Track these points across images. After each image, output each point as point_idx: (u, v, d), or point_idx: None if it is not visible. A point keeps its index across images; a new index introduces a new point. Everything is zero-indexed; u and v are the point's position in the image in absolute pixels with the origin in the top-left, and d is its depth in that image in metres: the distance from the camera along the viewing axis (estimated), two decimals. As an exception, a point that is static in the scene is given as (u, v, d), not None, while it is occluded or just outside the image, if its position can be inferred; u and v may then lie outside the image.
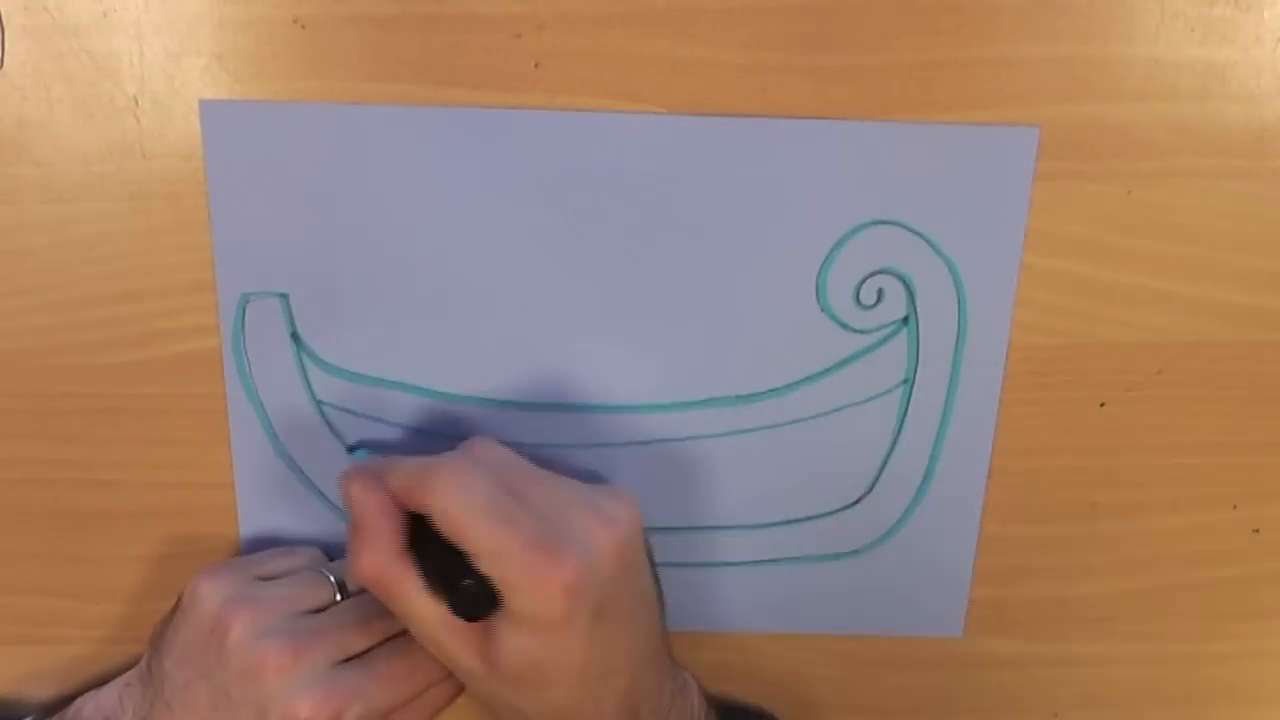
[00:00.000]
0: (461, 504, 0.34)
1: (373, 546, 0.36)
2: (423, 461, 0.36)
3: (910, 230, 0.41)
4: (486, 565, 0.34)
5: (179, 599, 0.40)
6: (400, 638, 0.40)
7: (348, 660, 0.39)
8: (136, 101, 0.38)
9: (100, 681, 0.42)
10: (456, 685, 0.42)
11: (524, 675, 0.35)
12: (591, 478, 0.42)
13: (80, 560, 0.44)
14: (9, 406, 0.41)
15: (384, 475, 0.36)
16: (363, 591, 0.42)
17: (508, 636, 0.35)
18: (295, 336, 0.41)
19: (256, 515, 0.43)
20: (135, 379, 0.41)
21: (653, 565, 0.40)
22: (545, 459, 0.40)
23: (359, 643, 0.39)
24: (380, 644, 0.40)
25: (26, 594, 0.44)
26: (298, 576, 0.41)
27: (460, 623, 0.35)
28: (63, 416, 0.42)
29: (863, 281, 0.42)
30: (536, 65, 0.38)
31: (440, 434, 0.43)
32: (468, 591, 0.34)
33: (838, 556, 0.46)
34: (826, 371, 0.43)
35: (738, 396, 0.43)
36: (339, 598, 0.41)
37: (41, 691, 0.45)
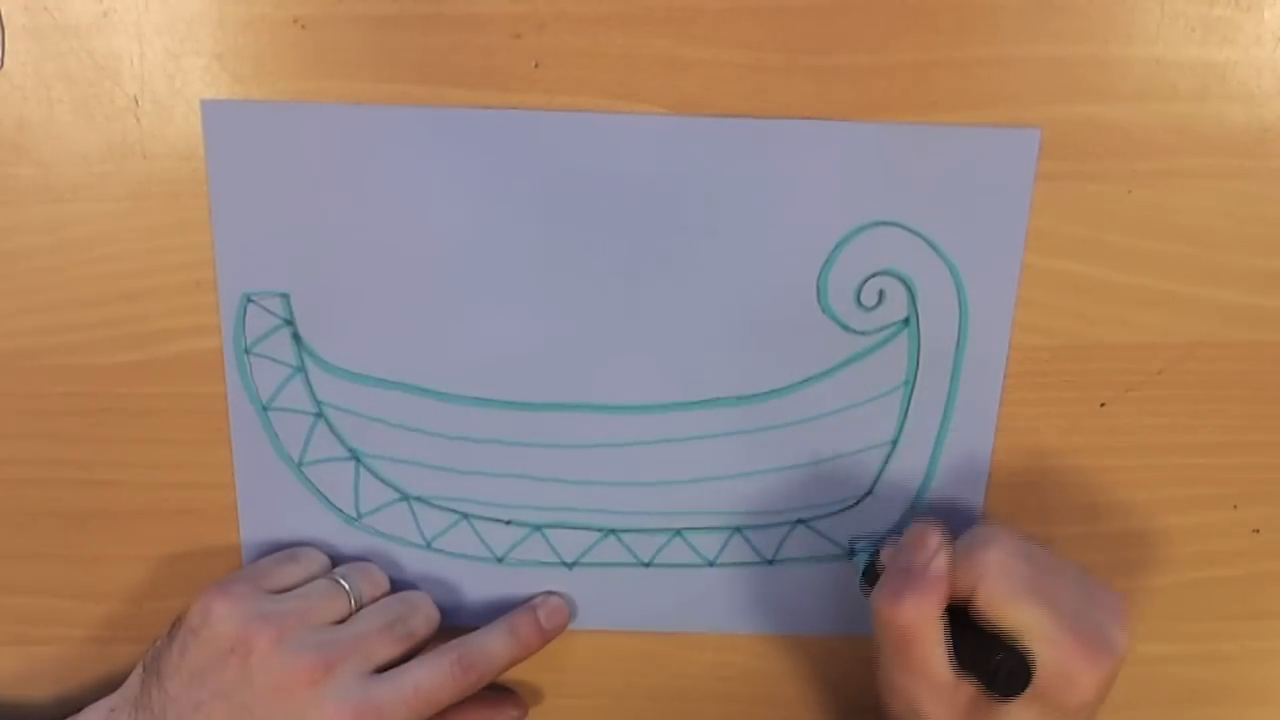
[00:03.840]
0: (1009, 584, 0.36)
1: (923, 595, 0.37)
2: (964, 546, 0.38)
3: (911, 231, 0.41)
4: (1032, 643, 0.36)
5: (180, 620, 0.39)
6: (430, 651, 0.40)
7: (377, 671, 0.39)
8: (137, 101, 0.38)
9: (99, 682, 0.42)
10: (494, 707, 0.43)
11: None
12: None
13: (80, 560, 0.44)
14: (9, 406, 0.41)
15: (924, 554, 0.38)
16: (377, 599, 0.41)
17: (1017, 713, 0.36)
18: (296, 336, 0.41)
19: (257, 515, 0.43)
20: (135, 379, 0.41)
21: None
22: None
23: (384, 652, 0.39)
24: (409, 658, 0.40)
25: (26, 594, 0.44)
26: (312, 587, 0.41)
27: (969, 697, 0.37)
28: (63, 416, 0.42)
29: (864, 283, 0.42)
30: (536, 65, 0.38)
31: (440, 434, 0.43)
32: (1002, 667, 0.36)
33: (838, 558, 0.46)
34: (827, 372, 0.43)
35: (738, 397, 0.43)
36: (353, 606, 0.41)
37: (41, 692, 0.45)
